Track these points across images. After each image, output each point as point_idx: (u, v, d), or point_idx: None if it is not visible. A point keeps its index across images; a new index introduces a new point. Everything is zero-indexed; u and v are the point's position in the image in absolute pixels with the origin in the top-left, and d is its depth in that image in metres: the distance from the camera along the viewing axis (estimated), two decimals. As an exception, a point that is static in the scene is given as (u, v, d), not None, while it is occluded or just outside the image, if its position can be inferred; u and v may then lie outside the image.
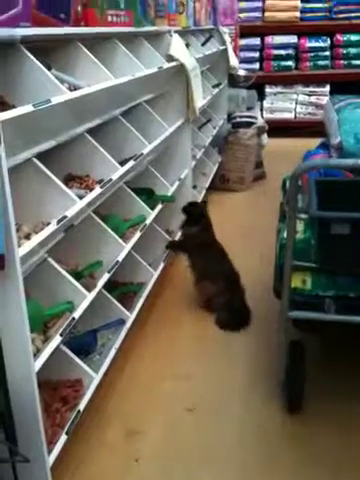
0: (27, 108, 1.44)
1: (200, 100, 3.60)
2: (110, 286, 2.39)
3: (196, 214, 2.89)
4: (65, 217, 1.69)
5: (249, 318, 2.68)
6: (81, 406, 1.84)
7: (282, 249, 2.02)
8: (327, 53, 6.75)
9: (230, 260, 2.82)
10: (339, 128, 2.32)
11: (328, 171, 2.22)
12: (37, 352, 1.59)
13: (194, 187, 3.92)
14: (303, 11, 6.66)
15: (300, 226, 2.03)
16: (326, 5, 6.62)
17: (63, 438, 1.69)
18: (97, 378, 1.98)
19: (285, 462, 1.87)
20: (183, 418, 2.09)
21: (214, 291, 2.73)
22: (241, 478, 1.81)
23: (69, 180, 2.14)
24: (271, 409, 2.10)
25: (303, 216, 2.00)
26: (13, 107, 1.56)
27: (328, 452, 1.89)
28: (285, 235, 2.02)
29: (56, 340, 1.66)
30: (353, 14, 6.55)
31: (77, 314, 1.80)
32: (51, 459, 1.60)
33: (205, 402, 2.17)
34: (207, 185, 4.36)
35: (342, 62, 6.76)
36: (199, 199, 4.03)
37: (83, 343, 2.17)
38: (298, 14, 6.65)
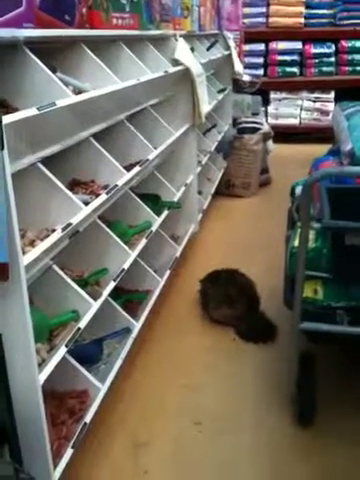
0: (31, 111, 1.40)
1: (206, 105, 3.56)
2: (115, 293, 2.33)
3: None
4: (70, 224, 1.64)
5: (274, 332, 2.58)
6: (87, 418, 1.78)
7: (292, 258, 1.96)
8: (332, 59, 6.72)
9: (249, 281, 2.75)
10: (350, 135, 2.27)
11: (339, 179, 2.17)
12: (42, 362, 1.54)
13: (199, 193, 3.88)
14: (307, 17, 6.64)
15: (311, 235, 1.97)
16: (331, 11, 6.60)
17: (69, 452, 1.63)
18: (103, 389, 1.92)
19: (294, 476, 1.81)
20: (191, 430, 2.03)
21: (233, 314, 2.66)
22: (252, 493, 1.75)
23: (74, 185, 2.09)
24: (282, 423, 2.03)
25: (315, 225, 1.94)
26: (16, 110, 1.52)
27: (340, 467, 1.83)
28: (295, 244, 1.97)
29: (62, 350, 1.60)
30: (358, 21, 6.53)
31: (83, 324, 1.75)
32: (57, 474, 1.54)
33: (213, 414, 2.11)
34: (213, 191, 4.32)
35: (347, 68, 6.74)
36: (205, 205, 4.00)
37: (88, 352, 2.12)
38: (302, 20, 6.64)
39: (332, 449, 1.91)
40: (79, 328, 1.72)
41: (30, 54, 1.55)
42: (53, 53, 1.93)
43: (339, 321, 1.86)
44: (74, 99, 1.64)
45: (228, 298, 2.66)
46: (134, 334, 2.28)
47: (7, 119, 1.26)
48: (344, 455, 1.88)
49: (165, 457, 1.90)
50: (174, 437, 2.00)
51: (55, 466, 1.55)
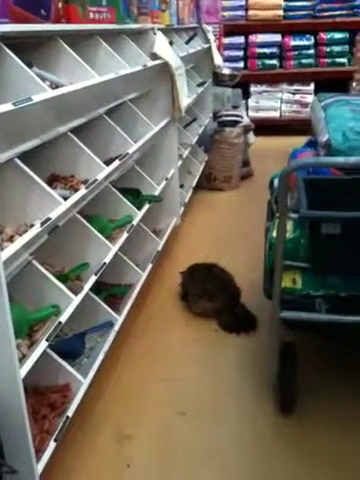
0: (7, 106, 1.39)
1: (185, 99, 3.57)
2: (97, 288, 2.34)
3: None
4: (49, 219, 1.64)
5: (255, 323, 2.61)
6: (70, 412, 1.79)
7: (271, 249, 1.99)
8: (311, 51, 6.75)
9: (228, 275, 2.78)
10: (326, 126, 2.29)
11: (316, 169, 2.19)
12: (23, 358, 1.55)
13: (181, 186, 3.90)
14: (286, 9, 6.65)
15: (289, 225, 2.00)
16: (309, 3, 6.62)
17: (52, 445, 1.64)
18: (86, 383, 1.93)
19: (279, 464, 1.84)
20: (174, 422, 2.05)
21: (213, 308, 2.68)
22: (234, 481, 1.78)
23: (53, 180, 2.09)
24: (264, 411, 2.06)
25: (293, 215, 1.97)
26: (-8, 106, 1.51)
27: (323, 453, 1.87)
28: (274, 234, 1.99)
29: (42, 345, 1.61)
30: (336, 12, 6.56)
31: (64, 318, 1.75)
32: (40, 468, 1.55)
33: (197, 405, 2.13)
34: (194, 184, 4.33)
35: (326, 60, 6.77)
36: (186, 199, 4.01)
37: (70, 347, 2.12)
38: (281, 12, 6.64)
39: (315, 436, 1.94)
40: (60, 322, 1.73)
41: (6, 49, 1.54)
42: (29, 48, 1.92)
43: (318, 309, 1.90)
44: (51, 94, 1.63)
45: (207, 292, 2.69)
46: (116, 328, 2.30)
47: (-18, 115, 1.26)
48: (325, 441, 1.92)
49: (149, 449, 1.92)
50: (158, 429, 2.02)
51: (38, 460, 1.56)
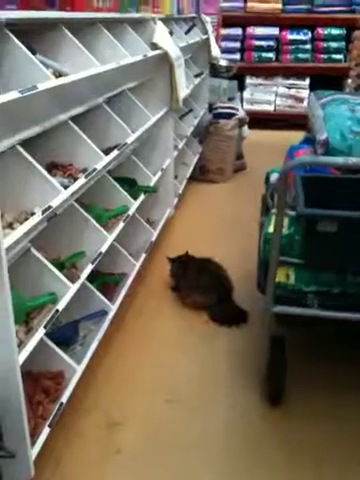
0: (13, 94, 1.40)
1: (184, 90, 3.57)
2: (91, 276, 2.35)
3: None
4: (50, 207, 1.65)
5: (245, 317, 2.64)
6: (64, 398, 1.82)
7: (266, 244, 2.02)
8: (308, 46, 6.76)
9: (222, 271, 2.80)
10: (325, 124, 2.31)
11: (313, 167, 2.22)
12: (20, 344, 1.56)
13: (175, 177, 3.91)
14: (285, 3, 6.65)
15: (285, 221, 2.02)
16: (308, -2, 6.63)
17: (46, 430, 1.67)
18: (79, 370, 1.95)
19: (267, 453, 1.88)
20: (163, 409, 2.08)
21: (205, 302, 2.71)
22: (222, 468, 1.82)
23: (52, 168, 2.09)
24: (253, 401, 2.11)
25: (290, 213, 1.99)
26: (-4, 92, 1.51)
27: (310, 443, 1.92)
28: (270, 230, 2.02)
29: (40, 332, 1.63)
30: (334, 8, 6.57)
31: (61, 306, 1.77)
32: (34, 452, 1.58)
33: (186, 393, 2.17)
34: (188, 175, 4.34)
35: (322, 56, 6.79)
36: (180, 190, 4.02)
37: (64, 334, 2.14)
38: (280, 6, 6.64)
39: (302, 426, 1.99)
40: (57, 310, 1.74)
41: (12, 36, 1.54)
42: (32, 35, 1.92)
43: (310, 305, 1.93)
44: (55, 82, 1.64)
45: (200, 287, 2.72)
46: (110, 316, 2.32)
47: (-11, 102, 1.26)
48: (311, 431, 1.97)
49: (138, 436, 1.95)
50: (148, 416, 2.05)
51: (32, 444, 1.58)
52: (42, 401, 1.76)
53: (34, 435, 1.63)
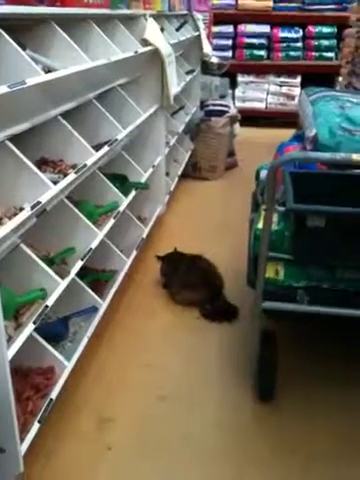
0: (2, 89, 1.39)
1: (175, 87, 3.57)
2: (81, 273, 2.35)
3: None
4: (39, 203, 1.65)
5: (236, 313, 2.65)
6: (53, 394, 1.81)
7: (256, 240, 2.02)
8: (299, 44, 6.78)
9: (213, 267, 2.81)
10: (314, 121, 2.32)
11: (302, 163, 2.22)
12: (9, 339, 1.56)
13: (167, 174, 3.90)
14: (276, 1, 6.67)
15: (274, 217, 2.03)
16: (299, -4, 6.65)
17: (35, 427, 1.66)
18: (69, 366, 1.95)
19: (258, 449, 1.89)
20: (156, 406, 2.08)
21: (196, 299, 2.72)
22: (213, 465, 1.82)
23: (42, 164, 2.09)
24: (243, 397, 2.11)
25: (279, 208, 2.00)
26: (-16, 87, 1.50)
27: (301, 439, 1.92)
28: (259, 226, 2.03)
29: (29, 328, 1.63)
30: (325, 6, 6.59)
31: (50, 302, 1.77)
32: (24, 447, 1.58)
33: (177, 390, 2.17)
34: (180, 172, 4.34)
35: (314, 54, 6.81)
36: (172, 187, 4.03)
37: (54, 330, 2.14)
38: (271, 4, 6.66)
39: (290, 422, 2.00)
40: (47, 306, 1.74)
41: (1, 31, 1.53)
42: (21, 30, 1.91)
43: (299, 300, 1.94)
44: (45, 77, 1.63)
45: (190, 284, 2.72)
46: (100, 313, 2.32)
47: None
48: (301, 428, 1.98)
49: (129, 433, 1.95)
50: (138, 413, 2.05)
51: (22, 440, 1.58)
52: (31, 397, 1.76)
53: (23, 431, 1.63)
